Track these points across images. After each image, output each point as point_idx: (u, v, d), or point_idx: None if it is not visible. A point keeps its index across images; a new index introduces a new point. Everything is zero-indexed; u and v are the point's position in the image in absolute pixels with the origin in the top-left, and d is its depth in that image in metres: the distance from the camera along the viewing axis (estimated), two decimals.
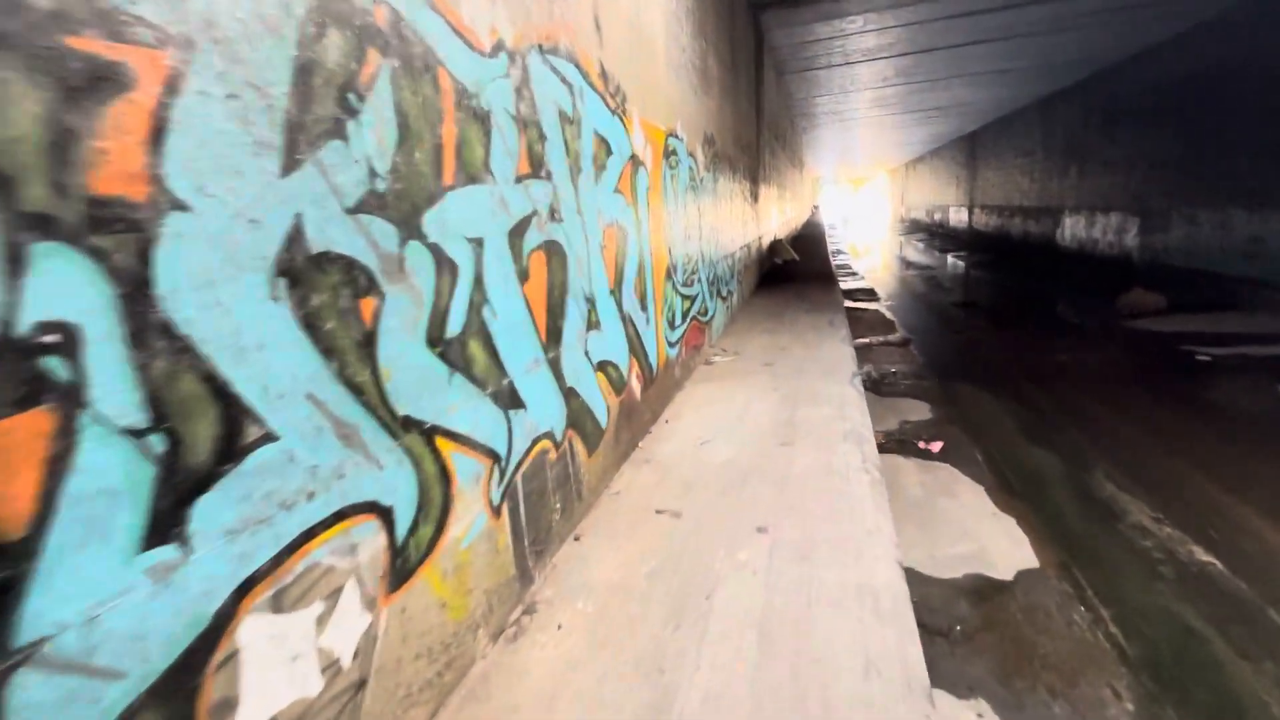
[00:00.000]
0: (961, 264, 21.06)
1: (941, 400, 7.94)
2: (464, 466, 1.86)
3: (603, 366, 3.00)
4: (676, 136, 4.40)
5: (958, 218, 26.80)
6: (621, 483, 3.09)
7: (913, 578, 3.61)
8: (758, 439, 3.54)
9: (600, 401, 2.96)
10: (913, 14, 9.55)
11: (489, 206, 2.03)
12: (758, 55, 9.24)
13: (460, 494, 1.83)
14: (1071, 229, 16.84)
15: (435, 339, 1.75)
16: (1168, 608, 3.66)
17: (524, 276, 2.28)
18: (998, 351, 9.94)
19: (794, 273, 11.52)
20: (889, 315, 13.07)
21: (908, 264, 23.67)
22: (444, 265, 1.77)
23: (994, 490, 5.59)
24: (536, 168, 2.34)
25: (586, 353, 2.80)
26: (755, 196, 9.64)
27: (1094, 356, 9.22)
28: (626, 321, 3.33)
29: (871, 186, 48.95)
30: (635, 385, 3.48)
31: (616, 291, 3.18)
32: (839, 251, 25.30)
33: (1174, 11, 10.67)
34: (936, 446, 6.44)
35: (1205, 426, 6.52)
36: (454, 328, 1.83)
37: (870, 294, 15.68)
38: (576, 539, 2.64)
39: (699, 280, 5.27)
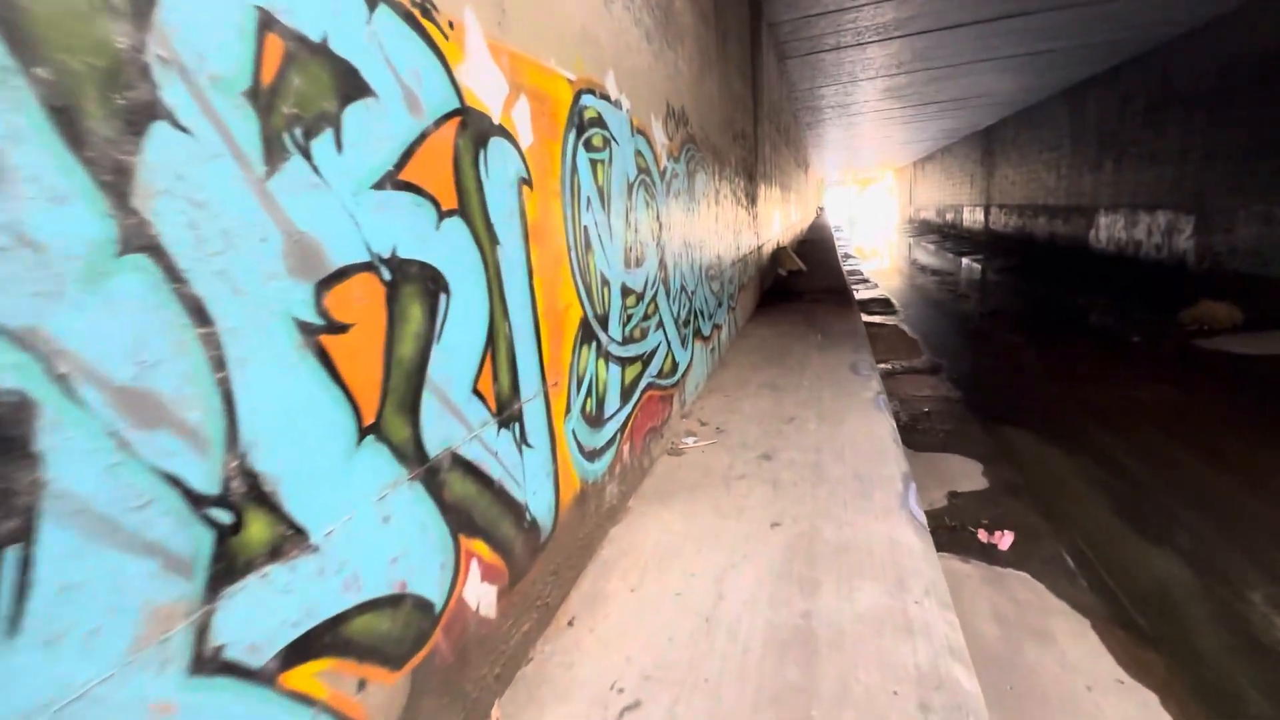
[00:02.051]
0: (978, 268, 19.05)
1: (994, 455, 6.03)
2: None
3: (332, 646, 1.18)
4: (604, 97, 2.55)
5: (972, 218, 24.72)
6: None
7: None
8: (738, 686, 1.65)
9: None
10: None
11: None
12: (754, 27, 7.36)
13: None
14: (1108, 229, 14.80)
15: None
16: None
17: None
18: (1048, 381, 8.01)
19: (801, 287, 9.64)
20: (910, 332, 11.15)
21: (920, 268, 21.67)
22: None
23: (1107, 629, 3.66)
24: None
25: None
26: (753, 199, 7.76)
27: (1173, 390, 7.26)
28: (444, 487, 1.50)
29: (878, 187, 46.81)
30: (478, 601, 1.64)
31: (403, 422, 1.36)
32: (847, 256, 23.35)
33: None
34: (1005, 541, 4.54)
35: None
36: None
37: (886, 305, 13.75)
38: None
39: (663, 326, 3.43)
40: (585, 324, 2.34)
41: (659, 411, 3.30)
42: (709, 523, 2.60)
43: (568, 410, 2.19)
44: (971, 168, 24.59)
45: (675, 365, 3.68)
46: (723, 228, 5.54)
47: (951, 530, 4.85)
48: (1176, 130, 12.15)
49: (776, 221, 11.54)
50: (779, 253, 11.16)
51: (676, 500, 2.82)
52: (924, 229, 32.60)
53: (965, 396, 7.68)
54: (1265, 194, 10.15)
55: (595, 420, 2.42)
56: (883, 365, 8.80)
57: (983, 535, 4.72)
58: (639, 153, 3.03)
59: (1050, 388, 7.70)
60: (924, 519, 2.61)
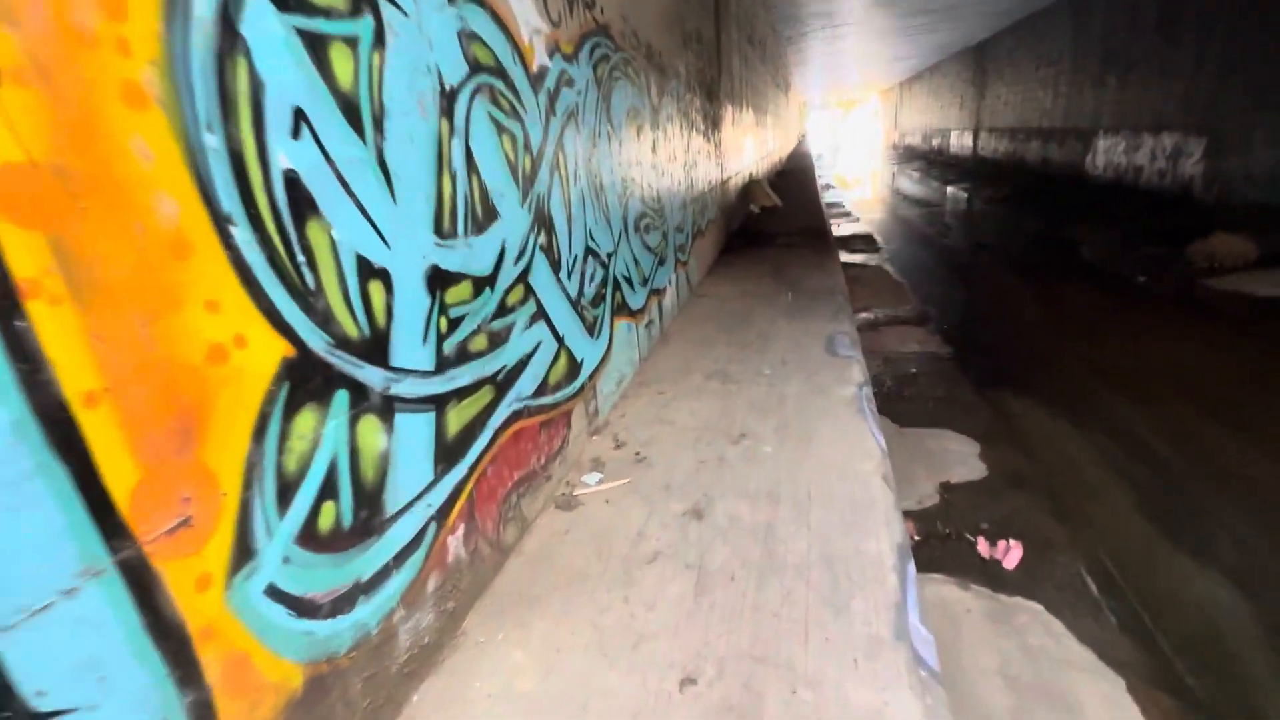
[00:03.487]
0: (965, 197, 17.72)
1: (992, 431, 5.05)
2: None
3: None
4: None
5: (960, 143, 23.05)
6: None
7: None
8: None
9: None
10: None
11: None
12: None
13: None
14: (1106, 154, 13.47)
15: None
16: None
17: None
18: (1048, 333, 6.98)
19: (774, 227, 8.36)
20: (894, 273, 10.00)
21: (904, 198, 20.25)
22: None
23: (1147, 693, 2.77)
24: None
25: None
26: (714, 122, 6.36)
27: (1190, 344, 6.25)
28: None
29: (863, 110, 44.10)
30: None
31: None
32: (828, 187, 21.81)
33: None
34: (1012, 557, 3.60)
35: None
36: None
37: (869, 242, 12.52)
38: None
39: (544, 317, 2.25)
40: (300, 366, 1.18)
41: (537, 448, 2.19)
42: (581, 670, 1.54)
43: (243, 556, 1.07)
44: (962, 88, 22.71)
45: (574, 367, 2.53)
46: (666, 160, 4.24)
47: (945, 540, 3.90)
48: (1192, 38, 10.67)
49: (749, 150, 10.08)
50: (750, 187, 9.77)
51: (541, 613, 1.75)
52: (909, 156, 30.75)
53: (956, 353, 6.65)
54: None
55: (352, 534, 1.31)
56: (865, 314, 7.69)
57: (984, 547, 3.77)
58: (472, 36, 1.76)
59: (1051, 341, 6.68)
60: (936, 662, 1.57)
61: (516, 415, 2.04)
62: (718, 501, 2.19)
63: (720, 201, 6.80)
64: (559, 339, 2.37)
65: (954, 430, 5.10)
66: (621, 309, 3.20)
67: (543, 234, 2.23)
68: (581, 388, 2.61)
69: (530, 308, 2.14)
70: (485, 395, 1.86)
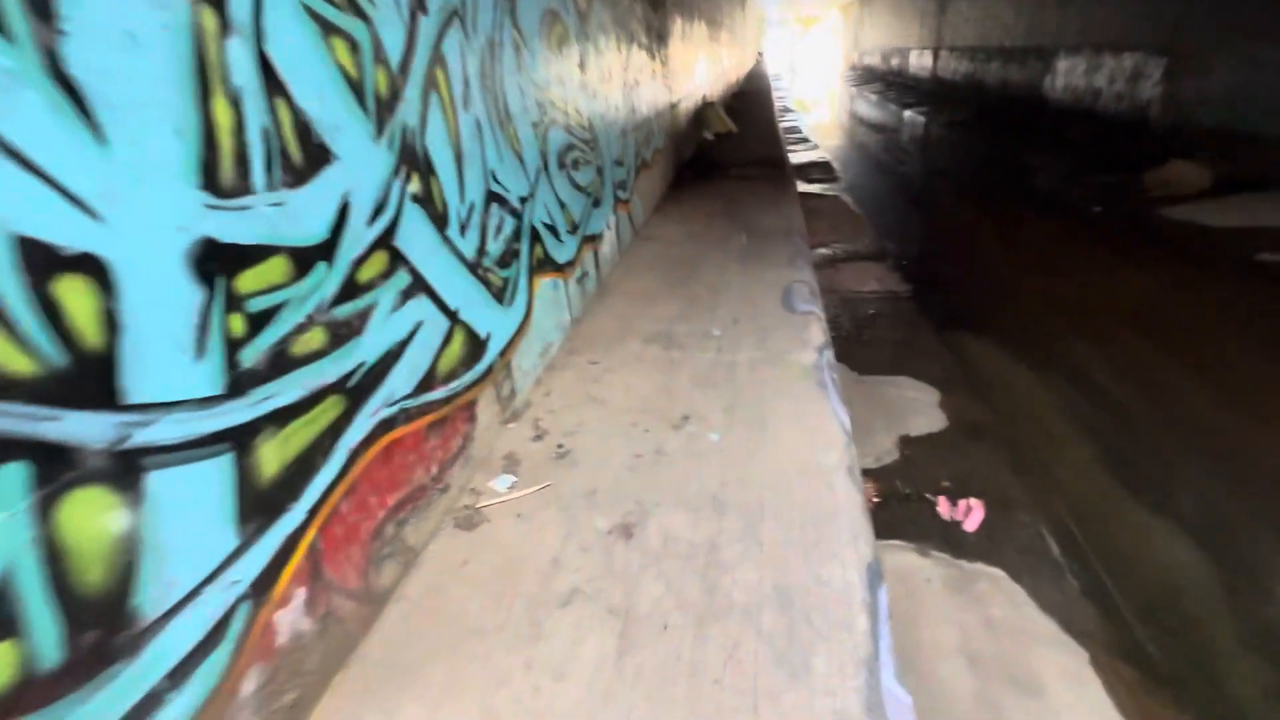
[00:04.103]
0: (922, 121, 17.17)
1: (951, 377, 4.82)
2: None
3: None
4: None
5: (919, 64, 22.14)
6: None
7: None
8: None
9: None
10: None
11: None
12: None
13: None
14: (1066, 76, 13.02)
15: None
16: None
17: None
18: (1006, 267, 6.73)
19: (729, 157, 7.71)
20: (852, 204, 9.58)
21: (861, 122, 19.54)
22: None
23: (1110, 665, 2.63)
24: None
25: None
26: (661, 36, 5.59)
27: (1146, 279, 6.10)
28: None
29: (822, 28, 42.02)
30: None
31: None
32: (786, 110, 20.89)
33: None
34: (973, 519, 3.40)
35: None
36: None
37: (826, 170, 12.01)
38: None
39: (424, 289, 1.74)
40: None
41: (424, 459, 1.72)
42: None
43: None
44: (923, 3, 21.64)
45: (476, 347, 2.02)
46: (600, 81, 3.58)
47: (905, 500, 3.68)
48: None
49: (701, 69, 9.22)
50: (704, 111, 9.00)
51: (418, 691, 1.34)
52: (868, 77, 29.61)
53: (915, 291, 6.36)
54: (1255, 31, 8.56)
55: (66, 676, 0.83)
56: (822, 250, 7.29)
57: (944, 508, 3.56)
58: None
59: (1009, 276, 6.44)
60: None
61: (387, 425, 1.56)
62: (652, 513, 1.79)
63: (669, 129, 6.11)
64: (451, 315, 1.86)
65: (913, 378, 4.85)
66: (544, 265, 2.66)
67: (415, 179, 1.67)
68: (489, 369, 2.12)
69: (400, 280, 1.61)
70: (330, 409, 1.36)
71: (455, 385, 1.90)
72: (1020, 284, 6.19)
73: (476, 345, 2.03)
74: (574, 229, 3.06)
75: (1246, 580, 2.83)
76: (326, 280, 1.35)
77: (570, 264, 3.00)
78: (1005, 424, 4.17)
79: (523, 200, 2.42)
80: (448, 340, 1.85)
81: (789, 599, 1.47)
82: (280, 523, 1.23)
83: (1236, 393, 4.02)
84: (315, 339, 1.32)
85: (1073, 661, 2.66)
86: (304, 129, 1.28)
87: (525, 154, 2.46)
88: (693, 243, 4.28)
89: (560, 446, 2.13)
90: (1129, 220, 7.84)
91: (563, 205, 2.89)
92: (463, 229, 1.94)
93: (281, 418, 1.23)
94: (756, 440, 2.09)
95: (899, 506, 3.52)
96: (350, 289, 1.43)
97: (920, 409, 4.42)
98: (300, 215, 1.27)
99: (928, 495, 3.59)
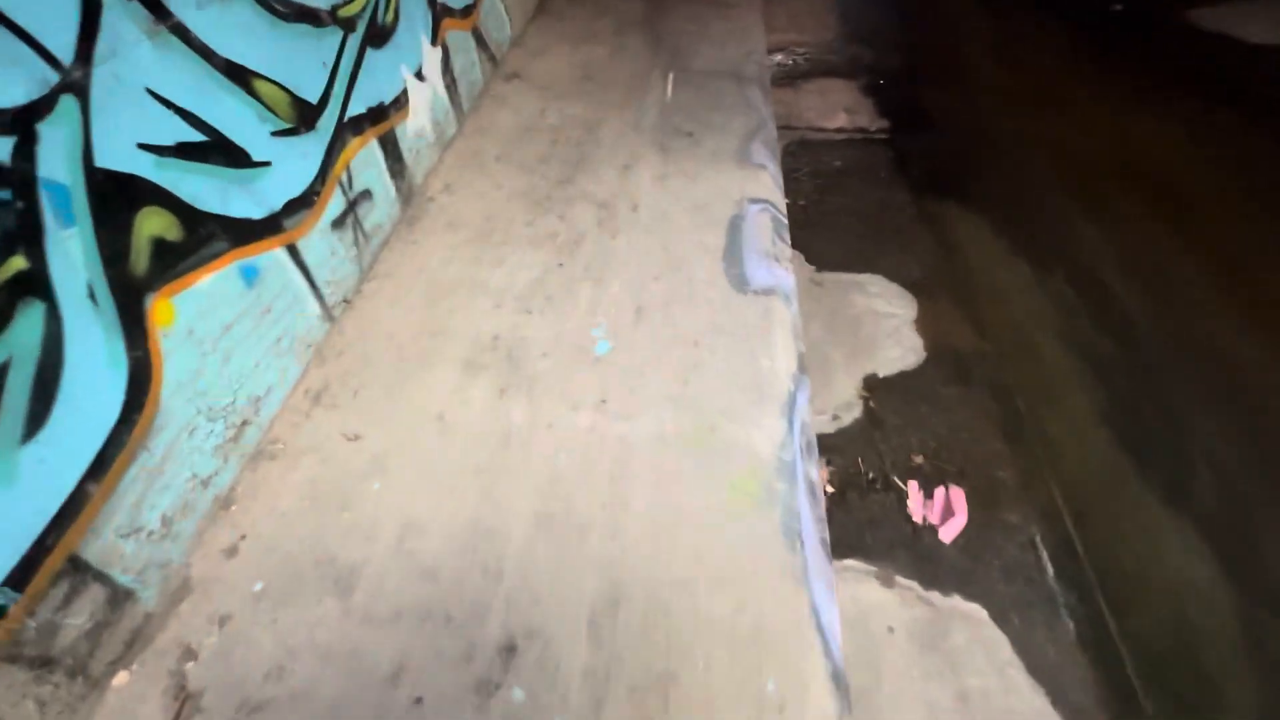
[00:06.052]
0: None
1: (931, 274, 3.69)
2: None
3: None
4: None
5: None
6: None
7: None
8: None
9: None
10: None
11: None
12: None
13: None
14: None
15: None
16: None
17: None
18: (1007, 97, 5.19)
19: None
20: None
21: None
22: None
23: None
24: None
25: None
26: None
27: (1175, 119, 4.76)
28: None
29: None
30: None
31: None
32: None
33: None
34: (951, 527, 2.57)
35: None
36: None
37: None
38: None
39: None
40: None
41: None
42: None
43: None
44: None
45: None
46: None
47: (869, 488, 2.77)
48: None
49: None
50: None
51: None
52: None
53: (892, 130, 4.83)
54: None
55: None
56: (779, 56, 5.39)
57: (916, 501, 2.67)
58: None
59: (1009, 113, 4.97)
60: None
61: None
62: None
63: None
64: None
65: (884, 276, 3.68)
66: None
67: None
68: None
69: None
70: None
71: None
72: (1021, 125, 4.78)
73: None
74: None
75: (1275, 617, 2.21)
76: None
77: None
78: (995, 358, 3.19)
79: None
80: None
81: None
82: None
83: (1264, 313, 3.14)
84: None
85: None
86: None
87: None
88: (581, 98, 2.55)
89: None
90: (1153, 24, 6.20)
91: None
92: None
93: None
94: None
95: (859, 501, 2.62)
96: None
97: (891, 330, 3.34)
98: None
99: (896, 479, 2.69)
